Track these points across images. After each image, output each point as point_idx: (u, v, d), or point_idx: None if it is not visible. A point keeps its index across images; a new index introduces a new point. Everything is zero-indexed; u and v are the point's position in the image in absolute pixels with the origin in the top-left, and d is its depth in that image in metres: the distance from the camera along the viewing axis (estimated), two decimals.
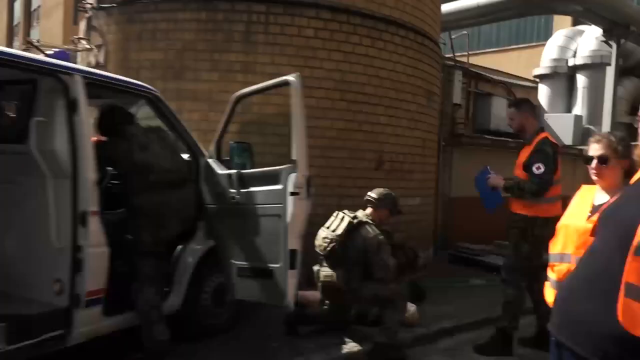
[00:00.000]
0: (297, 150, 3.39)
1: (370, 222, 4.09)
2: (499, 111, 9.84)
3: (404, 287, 4.20)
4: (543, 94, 12.84)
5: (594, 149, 2.51)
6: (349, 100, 5.89)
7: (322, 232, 4.10)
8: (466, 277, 6.79)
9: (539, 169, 4.00)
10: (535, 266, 4.12)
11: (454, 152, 8.79)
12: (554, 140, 4.28)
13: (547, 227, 3.46)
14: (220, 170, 3.89)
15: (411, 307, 4.72)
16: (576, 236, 2.40)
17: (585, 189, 2.65)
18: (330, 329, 4.38)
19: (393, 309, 3.97)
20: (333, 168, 5.85)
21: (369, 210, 4.23)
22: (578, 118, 11.72)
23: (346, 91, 5.86)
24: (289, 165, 3.42)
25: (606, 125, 10.41)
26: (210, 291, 4.13)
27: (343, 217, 4.08)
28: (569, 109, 12.47)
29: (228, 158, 4.06)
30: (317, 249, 4.09)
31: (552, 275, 2.54)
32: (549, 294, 2.55)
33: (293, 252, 3.41)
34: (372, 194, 4.25)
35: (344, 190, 5.91)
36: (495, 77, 11.35)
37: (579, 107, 12.25)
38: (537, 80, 13.08)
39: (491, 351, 4.27)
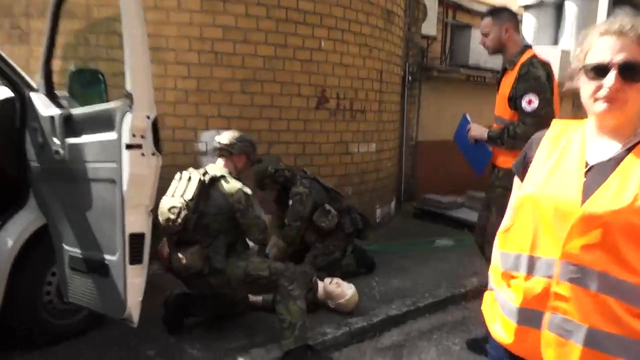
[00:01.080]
0: (134, 77, 2.09)
1: (227, 174, 3.10)
2: (479, 44, 8.54)
3: (290, 267, 3.06)
4: (528, 25, 11.58)
5: (613, 49, 1.21)
6: (278, 19, 4.53)
7: (167, 201, 2.96)
8: (431, 237, 5.70)
9: (530, 102, 2.85)
10: None
11: (422, 88, 7.48)
12: (544, 60, 3.02)
13: None
14: (46, 111, 2.60)
15: (349, 290, 3.65)
16: (564, 224, 1.18)
17: (561, 127, 1.40)
18: (222, 315, 3.39)
19: (284, 296, 2.90)
20: (260, 107, 4.58)
21: (220, 161, 3.20)
22: (565, 53, 10.44)
23: (274, 6, 4.48)
24: (124, 101, 2.14)
25: None
26: (56, 282, 2.93)
27: (190, 177, 3.02)
28: (556, 43, 11.22)
29: (67, 93, 2.77)
30: (164, 225, 2.94)
31: (507, 293, 1.31)
32: (504, 328, 1.31)
33: (136, 238, 2.20)
34: (221, 139, 3.22)
35: (273, 135, 4.67)
36: (475, 7, 9.96)
37: (567, 40, 11.02)
38: (522, 10, 11.76)
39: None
